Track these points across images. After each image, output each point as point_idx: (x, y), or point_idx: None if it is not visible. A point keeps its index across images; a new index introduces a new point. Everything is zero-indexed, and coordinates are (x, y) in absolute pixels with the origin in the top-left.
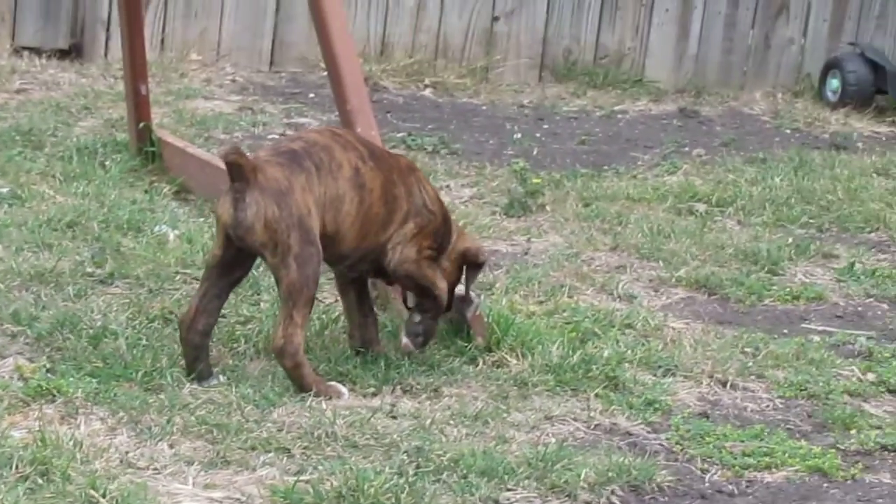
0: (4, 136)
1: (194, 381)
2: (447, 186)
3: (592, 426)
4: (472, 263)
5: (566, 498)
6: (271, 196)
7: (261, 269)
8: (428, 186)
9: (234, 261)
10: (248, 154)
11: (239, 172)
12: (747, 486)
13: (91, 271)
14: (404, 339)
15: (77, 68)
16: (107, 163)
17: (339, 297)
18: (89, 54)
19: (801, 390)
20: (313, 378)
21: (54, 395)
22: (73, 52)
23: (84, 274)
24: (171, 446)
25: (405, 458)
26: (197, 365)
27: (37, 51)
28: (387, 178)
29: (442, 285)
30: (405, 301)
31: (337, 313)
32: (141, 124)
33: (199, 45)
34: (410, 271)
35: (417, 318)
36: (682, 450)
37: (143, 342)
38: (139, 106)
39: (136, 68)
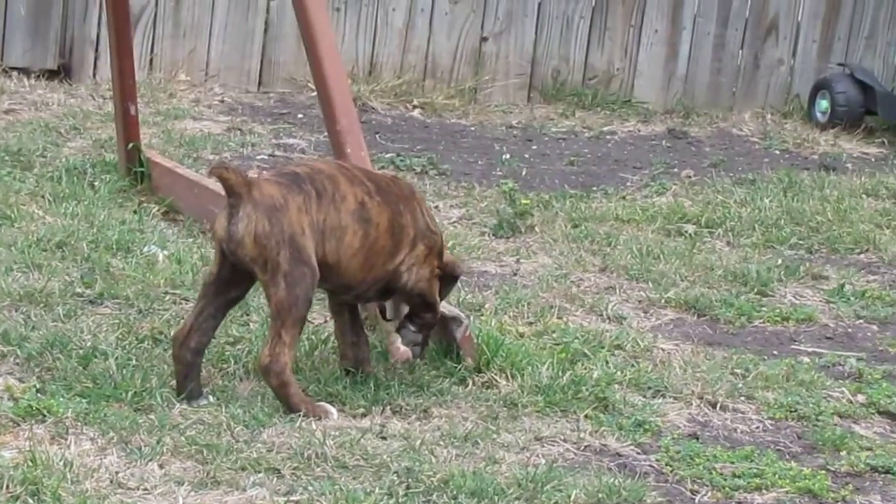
0: None
1: (184, 400)
2: (436, 207)
3: (582, 447)
4: (449, 276)
5: None
6: (263, 211)
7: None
8: (427, 208)
9: (230, 279)
10: (238, 169)
11: (230, 187)
12: None
13: (80, 291)
14: (402, 347)
15: (66, 88)
16: (96, 183)
17: (329, 317)
18: (78, 74)
19: (791, 412)
20: (301, 398)
21: (44, 415)
22: (61, 73)
23: (73, 294)
24: (160, 466)
25: (395, 478)
26: (187, 383)
27: (26, 71)
28: (394, 211)
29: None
30: (382, 313)
31: (326, 334)
32: (130, 145)
33: (187, 66)
34: (424, 289)
35: (414, 328)
36: (671, 471)
37: (133, 362)
38: (128, 126)
39: (125, 88)
